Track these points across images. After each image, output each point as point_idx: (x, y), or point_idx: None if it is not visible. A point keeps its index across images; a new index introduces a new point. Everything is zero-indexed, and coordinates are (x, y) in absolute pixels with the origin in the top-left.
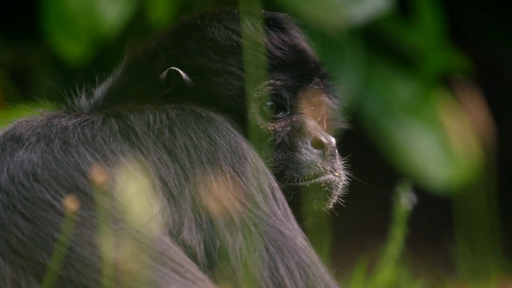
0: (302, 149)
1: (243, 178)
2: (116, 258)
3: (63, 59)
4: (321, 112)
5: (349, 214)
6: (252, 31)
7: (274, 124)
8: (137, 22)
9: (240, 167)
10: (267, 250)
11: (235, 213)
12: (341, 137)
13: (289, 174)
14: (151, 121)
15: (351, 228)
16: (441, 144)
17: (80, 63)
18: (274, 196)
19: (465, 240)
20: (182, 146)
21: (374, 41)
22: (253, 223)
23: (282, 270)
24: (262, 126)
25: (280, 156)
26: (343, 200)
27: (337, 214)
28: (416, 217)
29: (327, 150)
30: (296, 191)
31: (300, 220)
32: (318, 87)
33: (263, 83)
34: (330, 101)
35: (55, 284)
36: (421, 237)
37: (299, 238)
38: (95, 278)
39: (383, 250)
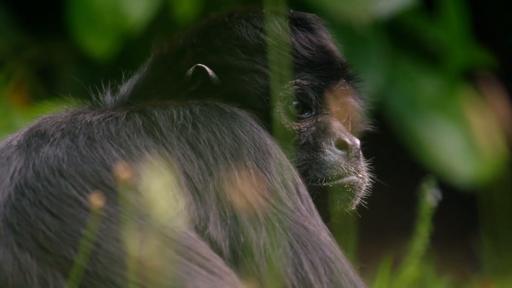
0: (326, 150)
1: (267, 174)
2: (142, 254)
3: (89, 55)
4: (346, 114)
5: (374, 210)
6: (279, 30)
7: (299, 124)
8: (162, 18)
9: (264, 163)
10: (291, 245)
11: (259, 208)
12: (365, 135)
13: (312, 175)
14: (175, 116)
15: (376, 224)
16: (466, 140)
17: (105, 59)
18: (298, 191)
19: (490, 236)
20: (206, 141)
21: (399, 36)
22: (277, 218)
23: (306, 265)
24: (287, 126)
25: (304, 156)
26: (366, 202)
27: (360, 216)
28: (441, 214)
29: (351, 152)
30: (319, 192)
31: (324, 221)
32: (344, 88)
33: (289, 82)
34: (355, 103)
35: (81, 280)
36: (446, 233)
37: (323, 234)
38: (121, 274)
39: (408, 247)
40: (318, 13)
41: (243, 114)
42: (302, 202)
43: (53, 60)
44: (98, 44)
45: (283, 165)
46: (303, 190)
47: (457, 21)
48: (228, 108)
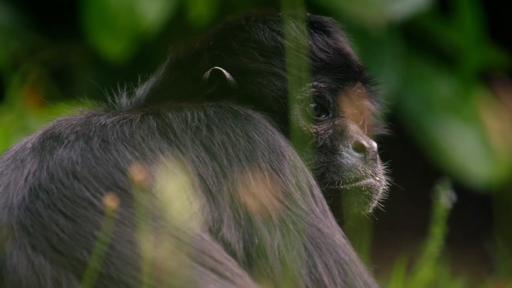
0: (344, 153)
1: (281, 176)
2: (155, 256)
3: (104, 57)
4: (362, 116)
5: (389, 211)
6: (297, 33)
7: (316, 127)
8: (176, 20)
9: (278, 165)
10: (305, 247)
11: (273, 210)
12: (381, 137)
13: (330, 177)
14: (189, 118)
15: (391, 225)
16: (481, 141)
17: (120, 61)
18: (312, 193)
19: (505, 238)
20: (220, 143)
21: (414, 38)
22: (291, 220)
23: (321, 267)
24: (304, 128)
25: (321, 159)
26: (383, 205)
27: (375, 218)
28: (456, 215)
29: (368, 154)
30: (337, 194)
31: (339, 223)
32: (361, 91)
33: (307, 84)
34: (371, 106)
35: (95, 282)
36: (461, 235)
37: (338, 236)
38: (135, 276)
39: (423, 248)
40: (333, 16)
41: (257, 116)
42: (316, 204)
43: (68, 61)
44: (113, 45)
45: (297, 167)
46: (317, 192)
47: (472, 23)
48: (242, 110)
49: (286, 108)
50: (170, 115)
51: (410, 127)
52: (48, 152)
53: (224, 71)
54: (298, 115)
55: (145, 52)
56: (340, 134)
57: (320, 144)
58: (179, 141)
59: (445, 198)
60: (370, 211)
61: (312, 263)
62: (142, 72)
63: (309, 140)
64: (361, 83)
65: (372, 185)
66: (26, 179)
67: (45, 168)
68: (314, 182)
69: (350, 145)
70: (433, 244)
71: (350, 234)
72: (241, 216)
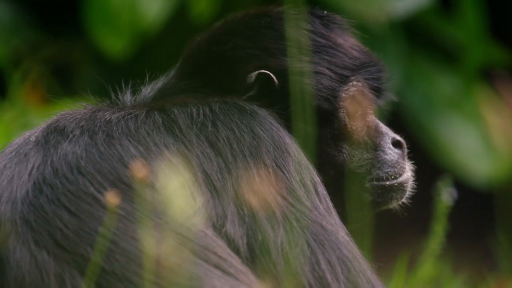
0: (386, 149)
1: (285, 173)
2: (159, 253)
3: (105, 54)
4: (372, 109)
5: (390, 209)
6: (328, 32)
7: (356, 124)
8: (178, 17)
9: (283, 162)
10: (309, 244)
11: (277, 207)
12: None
13: (375, 173)
14: (194, 114)
15: (393, 223)
16: (483, 139)
17: (122, 58)
18: (316, 190)
19: (507, 235)
20: (225, 139)
21: (416, 35)
22: (294, 217)
23: (323, 264)
24: (349, 126)
25: (365, 156)
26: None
27: (377, 216)
28: (457, 212)
29: (405, 150)
30: (381, 190)
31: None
32: (382, 87)
33: (350, 83)
34: (381, 101)
35: (98, 278)
36: (462, 232)
37: (341, 233)
38: (138, 272)
39: (424, 246)
40: (334, 13)
41: (262, 112)
42: (320, 201)
43: (69, 59)
44: (114, 43)
45: (301, 164)
46: (321, 189)
47: (474, 20)
48: (247, 106)
49: (337, 106)
50: (175, 110)
51: (412, 124)
52: (52, 146)
53: (271, 74)
54: (344, 113)
55: (147, 50)
56: (375, 130)
57: (360, 141)
58: (184, 137)
59: (446, 195)
60: (399, 205)
61: (315, 260)
62: (143, 69)
63: (353, 137)
64: (381, 81)
65: (409, 180)
66: (30, 173)
67: (49, 162)
68: (318, 179)
69: (389, 141)
70: (434, 241)
71: (352, 232)
72: (245, 212)
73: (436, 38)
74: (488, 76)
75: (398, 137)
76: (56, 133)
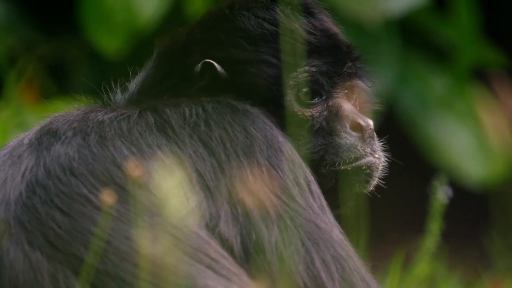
0: (341, 133)
1: (279, 171)
2: (153, 253)
3: (100, 53)
4: (354, 95)
5: (385, 207)
6: (283, 18)
7: (311, 110)
8: (174, 16)
9: (276, 160)
10: (303, 243)
11: (271, 206)
12: (376, 128)
13: (329, 159)
14: (187, 114)
15: (388, 222)
16: (477, 138)
17: (117, 57)
18: (310, 189)
19: (502, 234)
20: (218, 139)
21: (410, 35)
22: (289, 216)
23: (318, 263)
24: (299, 113)
25: (319, 142)
26: (383, 182)
27: (371, 213)
28: (452, 212)
29: (365, 133)
30: (338, 176)
31: (339, 205)
32: (352, 71)
33: (299, 70)
34: (363, 84)
35: (92, 278)
36: (457, 231)
37: (335, 231)
38: (132, 272)
39: (420, 244)
40: (328, 11)
41: (255, 111)
42: (314, 199)
43: (64, 57)
44: (109, 42)
45: (295, 162)
46: (315, 187)
47: (468, 20)
48: (240, 106)
49: (280, 95)
50: (168, 111)
51: (406, 124)
52: (45, 148)
53: (214, 63)
54: (292, 101)
55: (142, 49)
56: (336, 115)
57: (316, 127)
58: (177, 137)
59: (441, 194)
60: (371, 190)
61: (310, 259)
62: (139, 68)
63: (305, 125)
64: (351, 62)
65: (372, 163)
66: (23, 175)
67: (42, 164)
68: (312, 177)
69: (347, 125)
70: (429, 240)
71: (347, 230)
72: (239, 211)
73: (430, 38)
74: (482, 76)
75: (359, 120)
76: (49, 135)
